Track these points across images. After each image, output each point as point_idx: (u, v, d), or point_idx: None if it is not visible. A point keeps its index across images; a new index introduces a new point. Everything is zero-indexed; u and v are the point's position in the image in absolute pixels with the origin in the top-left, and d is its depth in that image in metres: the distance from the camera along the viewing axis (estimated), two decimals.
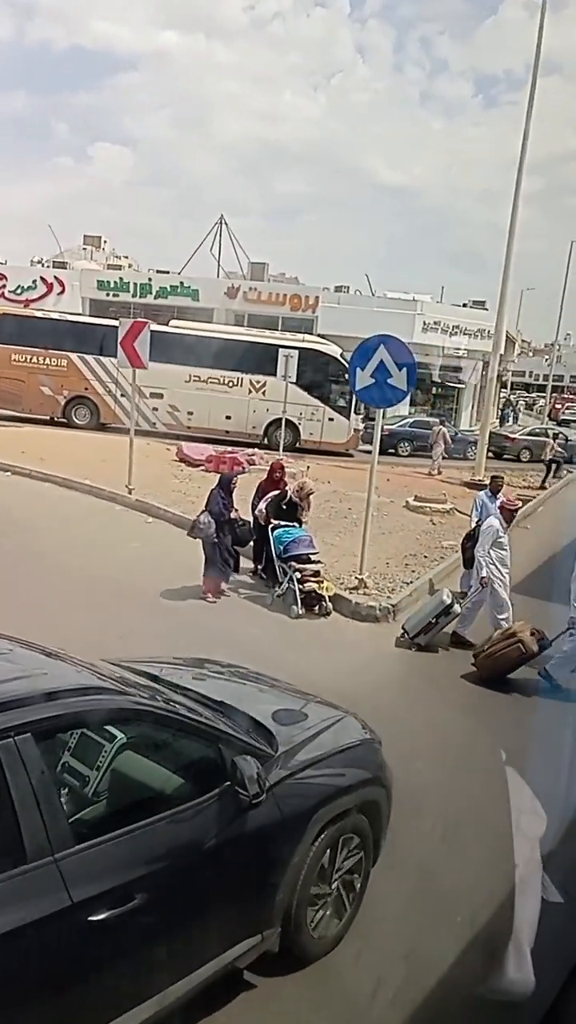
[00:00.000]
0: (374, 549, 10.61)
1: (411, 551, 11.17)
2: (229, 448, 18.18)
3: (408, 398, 32.60)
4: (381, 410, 9.66)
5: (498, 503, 8.47)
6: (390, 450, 24.75)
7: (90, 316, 26.57)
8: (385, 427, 26.38)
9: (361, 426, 22.68)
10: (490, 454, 26.46)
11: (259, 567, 9.57)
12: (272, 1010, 3.34)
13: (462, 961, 3.55)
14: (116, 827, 2.77)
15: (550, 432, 27.87)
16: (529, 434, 28.87)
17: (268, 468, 17.20)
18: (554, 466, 21.48)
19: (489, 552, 7.84)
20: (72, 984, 2.55)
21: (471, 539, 8.56)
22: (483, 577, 7.77)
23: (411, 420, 27.09)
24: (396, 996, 3.40)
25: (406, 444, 25.14)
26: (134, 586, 8.51)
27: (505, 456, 26.93)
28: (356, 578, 9.00)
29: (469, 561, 8.56)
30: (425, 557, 10.89)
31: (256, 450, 18.74)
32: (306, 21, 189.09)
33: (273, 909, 3.30)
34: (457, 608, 7.80)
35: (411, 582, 9.43)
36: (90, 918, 2.53)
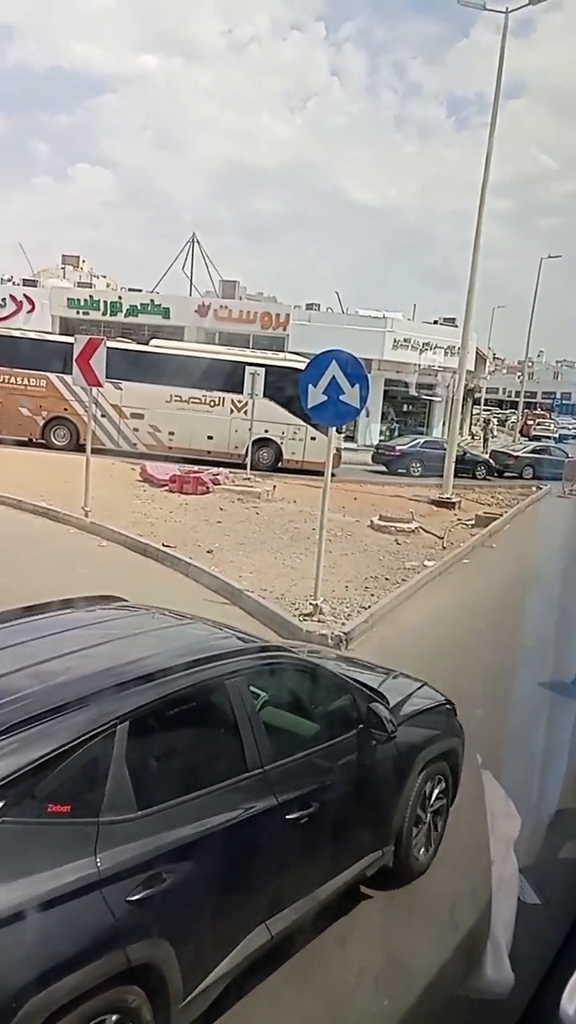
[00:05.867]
0: (335, 571, 10.32)
1: (372, 573, 10.87)
2: (194, 468, 17.82)
3: (378, 415, 32.69)
4: (333, 428, 9.35)
5: None
6: (400, 470, 24.70)
7: (61, 335, 26.23)
8: (397, 447, 26.84)
9: (351, 444, 22.41)
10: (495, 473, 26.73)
11: None
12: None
13: (442, 961, 3.76)
14: (292, 752, 3.54)
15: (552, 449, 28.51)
16: (532, 452, 29.03)
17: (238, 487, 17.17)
18: None
19: None
20: (272, 868, 3.34)
21: None
22: None
23: (422, 440, 27.12)
24: (379, 994, 3.69)
25: (417, 465, 24.92)
26: None
27: (507, 474, 27.00)
28: (311, 603, 8.67)
29: None
30: (386, 579, 10.58)
31: (222, 469, 18.39)
32: (282, 45, 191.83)
33: (391, 829, 4.12)
34: None
35: (369, 607, 9.11)
36: (287, 816, 3.32)
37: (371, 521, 14.39)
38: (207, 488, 16.34)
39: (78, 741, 2.67)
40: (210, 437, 21.71)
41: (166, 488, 16.26)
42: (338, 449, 22.06)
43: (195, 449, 21.52)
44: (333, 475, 20.76)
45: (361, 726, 3.91)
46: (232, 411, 21.51)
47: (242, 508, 15.20)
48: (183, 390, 21.70)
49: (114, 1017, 2.58)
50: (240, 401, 20.92)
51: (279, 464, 21.99)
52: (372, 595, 9.69)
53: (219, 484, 16.89)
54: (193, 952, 2.86)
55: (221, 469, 18.44)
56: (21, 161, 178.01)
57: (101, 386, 13.37)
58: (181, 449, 21.43)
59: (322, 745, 3.75)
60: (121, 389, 20.90)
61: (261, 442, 21.75)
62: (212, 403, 21.76)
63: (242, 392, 19.94)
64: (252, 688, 3.47)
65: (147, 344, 23.37)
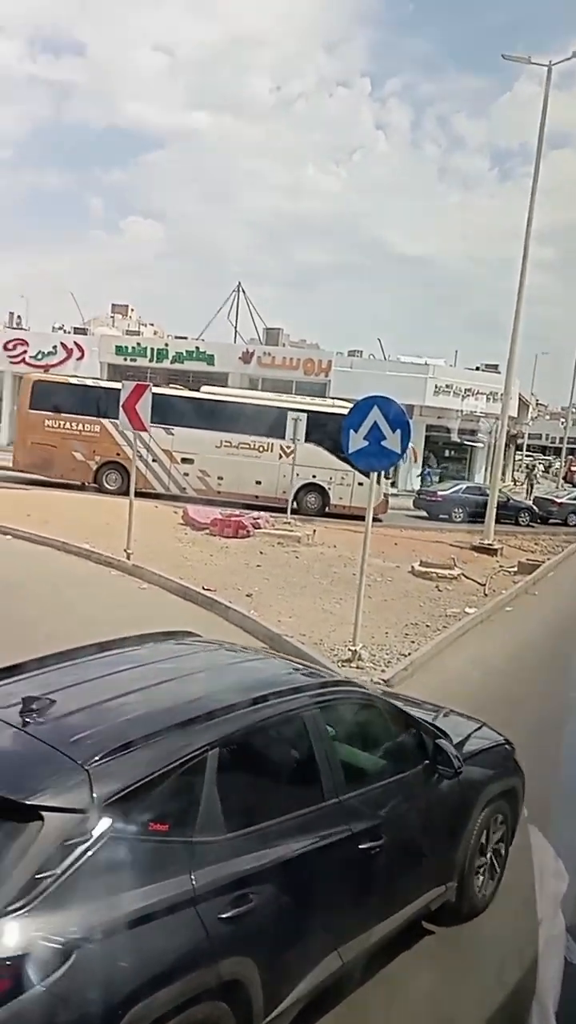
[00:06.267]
0: (374, 617, 10.23)
1: (413, 619, 10.75)
2: (235, 511, 17.95)
3: (420, 460, 32.62)
4: (375, 473, 9.35)
5: None
6: (442, 516, 24.57)
7: (109, 381, 26.87)
8: (439, 493, 26.73)
9: (392, 490, 22.44)
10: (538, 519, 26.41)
11: None
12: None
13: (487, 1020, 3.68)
14: (363, 784, 3.65)
15: None
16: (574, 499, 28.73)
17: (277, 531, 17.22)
18: None
19: None
20: (346, 896, 3.42)
21: None
22: None
23: (464, 486, 26.99)
24: None
25: (459, 510, 24.71)
26: None
27: (551, 521, 26.69)
28: (350, 649, 8.59)
29: None
30: (427, 626, 10.45)
31: (262, 513, 18.48)
32: (328, 100, 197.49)
33: (454, 865, 4.14)
34: None
35: (409, 654, 8.99)
36: (360, 846, 3.40)
37: (412, 567, 14.27)
38: (248, 532, 16.43)
39: (175, 765, 2.82)
40: (258, 482, 21.87)
41: (207, 531, 16.40)
42: (385, 495, 22.07)
43: (244, 494, 21.58)
44: (380, 520, 21.01)
45: (427, 761, 4.00)
46: (281, 456, 21.67)
47: (282, 552, 15.23)
48: (233, 435, 22.02)
49: None
50: (289, 447, 21.07)
51: (326, 509, 22.03)
52: (412, 642, 9.57)
53: (259, 528, 16.97)
54: (273, 974, 2.94)
55: (262, 513, 18.54)
56: (76, 215, 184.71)
57: (146, 430, 13.64)
58: (230, 494, 21.53)
59: (391, 778, 3.85)
60: (172, 434, 21.34)
61: (309, 487, 21.92)
62: (261, 448, 21.98)
63: (302, 439, 20.14)
64: (325, 720, 3.57)
65: (198, 390, 23.85)
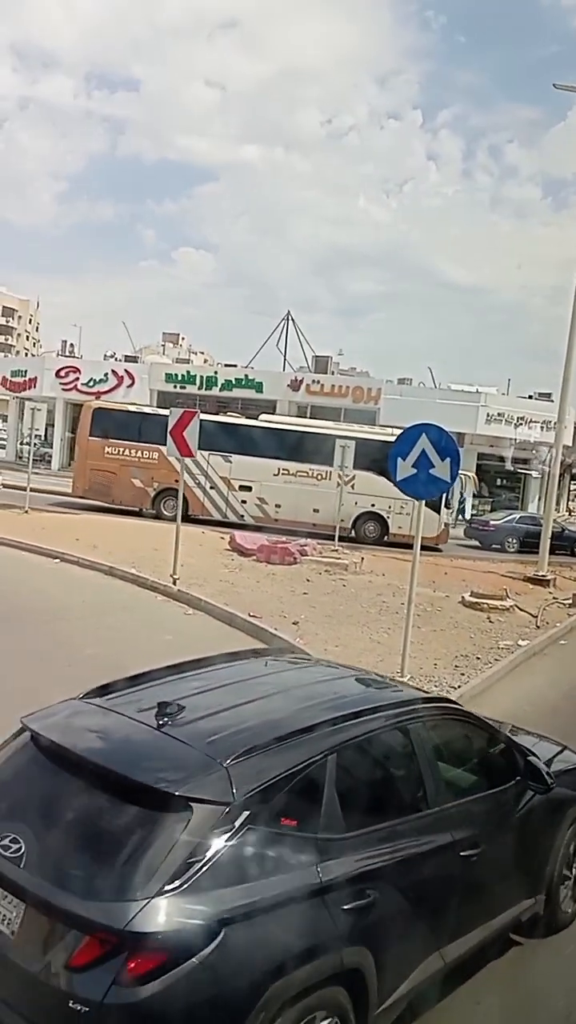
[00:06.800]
0: (423, 648, 9.97)
1: (463, 651, 10.43)
2: (282, 538, 17.85)
3: (471, 490, 32.15)
4: (421, 502, 9.15)
5: None
6: (494, 546, 24.16)
7: (159, 408, 27.20)
8: (491, 522, 26.36)
9: (450, 520, 22.15)
10: None
11: None
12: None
13: None
14: (462, 795, 3.81)
15: None
16: None
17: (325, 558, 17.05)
18: None
19: None
20: (448, 899, 3.53)
21: None
22: None
23: (517, 516, 26.56)
24: None
25: (512, 540, 24.34)
26: None
27: None
28: (398, 681, 8.33)
29: None
30: (478, 659, 10.13)
31: (309, 540, 18.34)
32: (380, 133, 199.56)
33: (543, 878, 4.29)
34: None
35: (459, 687, 8.70)
36: (460, 854, 3.56)
37: (462, 597, 13.93)
38: (294, 559, 16.29)
39: (302, 767, 3.07)
40: (316, 510, 21.71)
41: (254, 557, 16.31)
42: (446, 524, 21.77)
43: (302, 522, 21.39)
44: (439, 550, 20.71)
45: (518, 777, 4.17)
46: (339, 484, 21.45)
47: (329, 580, 15.05)
48: (291, 463, 22.04)
49: (325, 1015, 2.89)
50: (348, 475, 20.90)
51: (385, 538, 21.79)
52: (462, 674, 9.27)
53: (306, 555, 16.82)
54: (386, 967, 3.13)
55: (309, 540, 18.40)
56: (130, 246, 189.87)
57: (193, 456, 13.72)
58: (288, 521, 21.45)
59: (487, 791, 4.03)
60: (231, 462, 21.46)
61: (367, 515, 21.80)
62: (319, 476, 21.86)
63: (350, 466, 19.96)
64: (427, 734, 3.80)
65: (256, 418, 23.99)
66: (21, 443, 36.64)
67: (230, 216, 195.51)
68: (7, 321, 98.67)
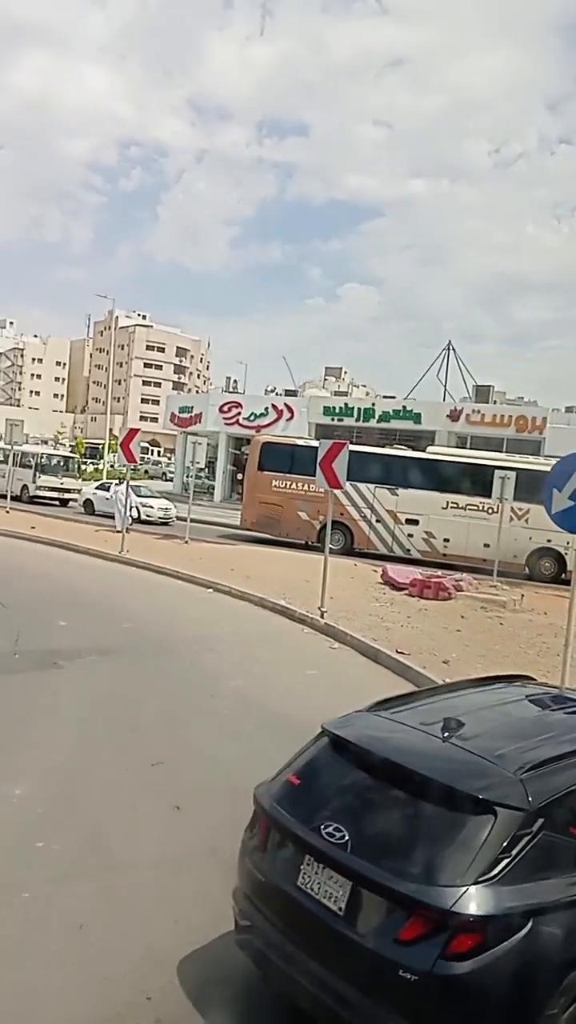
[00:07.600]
0: None
1: None
2: (437, 572, 17.28)
3: None
4: None
5: None
6: None
7: (319, 439, 27.48)
8: None
9: None
10: None
11: None
12: None
13: None
14: None
15: None
16: None
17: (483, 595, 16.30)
18: None
19: None
20: None
21: None
22: None
23: None
24: None
25: None
26: (288, 716, 7.76)
27: None
28: None
29: None
30: None
31: (465, 575, 17.62)
32: (550, 158, 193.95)
33: None
34: None
35: None
36: None
37: None
38: (449, 594, 15.67)
39: None
40: (487, 545, 20.70)
41: (406, 592, 15.88)
42: None
43: (471, 557, 20.69)
44: None
45: None
46: (512, 519, 20.51)
47: (485, 617, 14.31)
48: (460, 496, 21.42)
49: None
50: (521, 509, 19.97)
51: (563, 576, 20.62)
52: None
53: (462, 590, 16.14)
54: None
55: (464, 575, 17.68)
56: (296, 284, 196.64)
57: (341, 488, 13.61)
58: (457, 556, 20.89)
59: None
60: (397, 495, 21.25)
61: (542, 551, 20.70)
62: (490, 510, 20.99)
63: (524, 500, 18.99)
64: None
65: (424, 450, 23.64)
66: (186, 476, 38.40)
67: (395, 250, 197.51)
68: (180, 361, 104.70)
